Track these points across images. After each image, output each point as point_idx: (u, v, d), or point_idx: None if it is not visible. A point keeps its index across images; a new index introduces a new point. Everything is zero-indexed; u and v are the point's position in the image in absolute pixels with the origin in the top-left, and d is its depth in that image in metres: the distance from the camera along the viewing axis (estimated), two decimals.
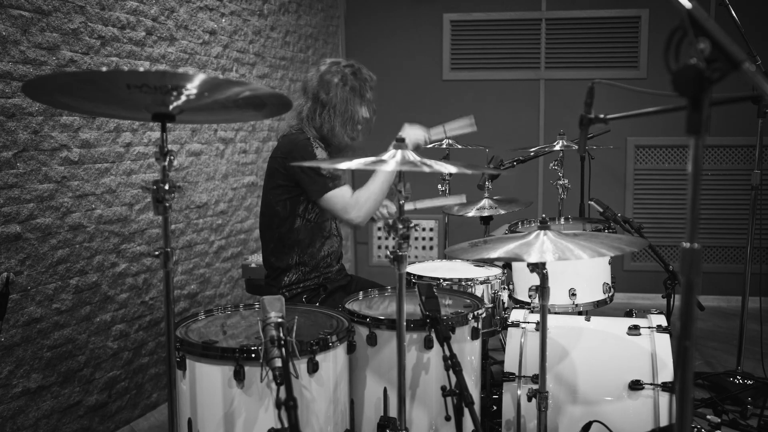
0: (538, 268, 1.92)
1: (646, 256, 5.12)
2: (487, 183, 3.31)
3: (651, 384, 2.23)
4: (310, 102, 2.69)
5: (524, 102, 5.27)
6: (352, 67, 2.72)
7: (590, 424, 2.19)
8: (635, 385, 2.23)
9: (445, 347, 1.93)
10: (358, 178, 2.98)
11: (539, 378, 2.00)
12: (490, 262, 2.90)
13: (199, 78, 1.49)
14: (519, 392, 2.32)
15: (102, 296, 2.90)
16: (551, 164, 3.41)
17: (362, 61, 2.81)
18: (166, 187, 1.59)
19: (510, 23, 5.23)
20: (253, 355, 1.79)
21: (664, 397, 2.20)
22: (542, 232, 1.96)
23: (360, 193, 2.57)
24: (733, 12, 3.14)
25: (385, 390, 2.09)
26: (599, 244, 1.90)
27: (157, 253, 1.65)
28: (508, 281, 2.86)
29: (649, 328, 2.40)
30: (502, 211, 3.23)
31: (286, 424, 1.48)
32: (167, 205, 1.60)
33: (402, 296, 1.77)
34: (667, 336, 2.36)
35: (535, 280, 1.95)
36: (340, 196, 2.56)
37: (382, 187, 2.55)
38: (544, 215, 2.05)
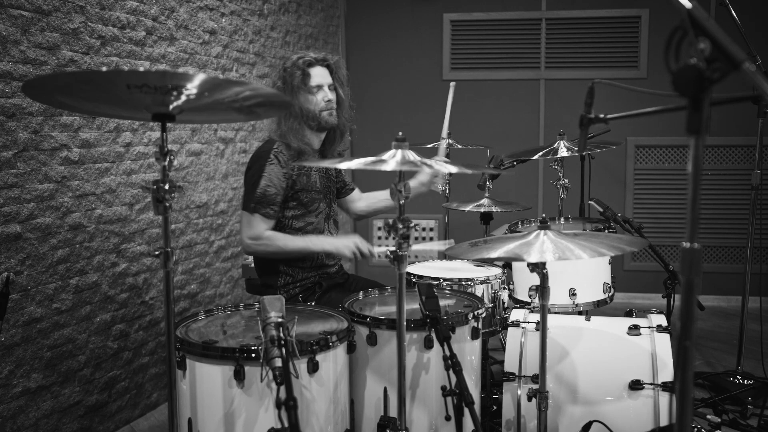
0: (538, 268, 1.92)
1: (646, 256, 5.12)
2: (487, 183, 3.31)
3: (651, 384, 2.23)
4: None
5: (524, 102, 5.26)
6: (287, 61, 2.63)
7: (590, 424, 2.19)
8: (635, 385, 2.23)
9: (445, 347, 1.93)
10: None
11: (539, 378, 2.00)
12: (490, 262, 2.90)
13: (199, 78, 1.49)
14: (519, 392, 2.32)
15: (102, 296, 2.90)
16: (551, 164, 3.41)
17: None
18: (166, 186, 1.59)
19: (510, 23, 5.23)
20: (253, 355, 1.79)
21: (664, 397, 2.20)
22: (542, 231, 1.96)
23: (275, 236, 2.57)
24: (733, 12, 3.14)
25: (385, 390, 2.09)
26: (599, 244, 1.90)
27: (157, 253, 1.66)
28: (508, 281, 2.86)
29: (649, 327, 2.40)
30: (499, 209, 3.22)
31: (286, 424, 1.48)
32: (167, 204, 1.61)
33: (402, 296, 1.77)
34: (667, 336, 2.36)
35: (535, 279, 1.95)
36: (251, 222, 2.55)
37: (294, 247, 2.57)
38: (544, 215, 2.05)
